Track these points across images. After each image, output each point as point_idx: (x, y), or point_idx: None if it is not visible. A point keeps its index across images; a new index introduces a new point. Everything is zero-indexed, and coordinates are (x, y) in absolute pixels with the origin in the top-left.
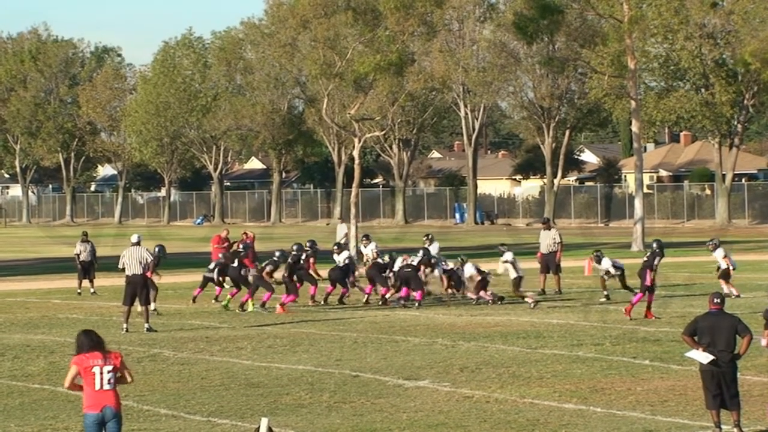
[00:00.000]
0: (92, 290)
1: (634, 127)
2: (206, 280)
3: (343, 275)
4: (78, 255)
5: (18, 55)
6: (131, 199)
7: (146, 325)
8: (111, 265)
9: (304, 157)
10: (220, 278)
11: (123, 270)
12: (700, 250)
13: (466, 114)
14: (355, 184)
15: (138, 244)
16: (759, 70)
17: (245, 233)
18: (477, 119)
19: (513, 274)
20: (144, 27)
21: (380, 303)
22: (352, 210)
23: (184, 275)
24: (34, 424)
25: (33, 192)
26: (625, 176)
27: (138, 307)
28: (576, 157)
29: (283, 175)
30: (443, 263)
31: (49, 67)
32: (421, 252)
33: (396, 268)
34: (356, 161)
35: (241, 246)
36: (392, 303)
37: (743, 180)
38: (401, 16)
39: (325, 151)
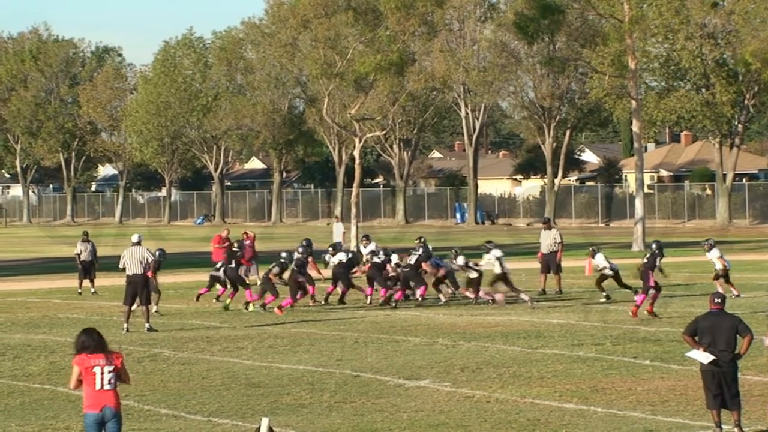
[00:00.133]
0: (93, 290)
1: (635, 127)
2: (213, 280)
3: (345, 271)
4: (78, 255)
5: (19, 54)
6: (132, 199)
7: (147, 325)
8: (111, 264)
9: (305, 156)
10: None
11: (123, 270)
12: (700, 250)
13: (467, 114)
14: (355, 184)
15: (139, 243)
16: (759, 70)
17: (245, 233)
18: (478, 119)
19: (498, 270)
20: (144, 27)
21: (380, 303)
22: (353, 210)
23: (185, 275)
24: (34, 423)
25: (34, 192)
26: (625, 176)
27: (135, 306)
28: (576, 157)
29: (284, 174)
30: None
31: (50, 66)
32: (420, 249)
33: (392, 263)
34: (357, 161)
35: (236, 245)
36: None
37: (744, 180)
38: (402, 16)
39: (325, 150)
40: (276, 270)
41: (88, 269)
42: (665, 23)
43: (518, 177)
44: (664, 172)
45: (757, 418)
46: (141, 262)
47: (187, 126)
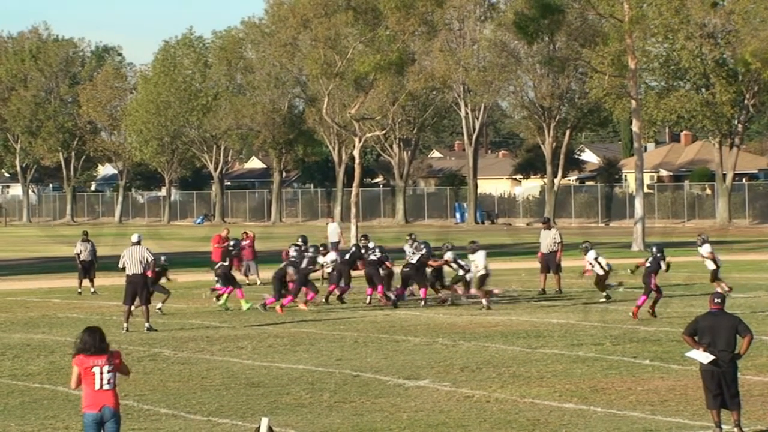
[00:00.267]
0: (92, 290)
1: (635, 127)
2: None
3: (347, 269)
4: (78, 255)
5: (18, 54)
6: (131, 199)
7: (146, 325)
8: (111, 264)
9: (305, 156)
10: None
11: (123, 269)
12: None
13: (467, 113)
14: (355, 184)
15: (138, 243)
16: (759, 69)
17: (245, 233)
18: (477, 119)
19: (482, 271)
20: (144, 26)
21: (381, 302)
22: (353, 209)
23: (185, 275)
24: (34, 423)
25: (33, 191)
26: (625, 176)
27: (134, 306)
28: (576, 156)
29: (284, 174)
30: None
31: (50, 66)
32: (423, 248)
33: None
34: (357, 161)
35: (231, 244)
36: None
37: (744, 180)
38: (402, 16)
39: (325, 150)
40: (291, 270)
41: (88, 269)
42: (665, 23)
43: (518, 177)
44: (663, 172)
45: (757, 418)
46: (141, 262)
47: (187, 125)
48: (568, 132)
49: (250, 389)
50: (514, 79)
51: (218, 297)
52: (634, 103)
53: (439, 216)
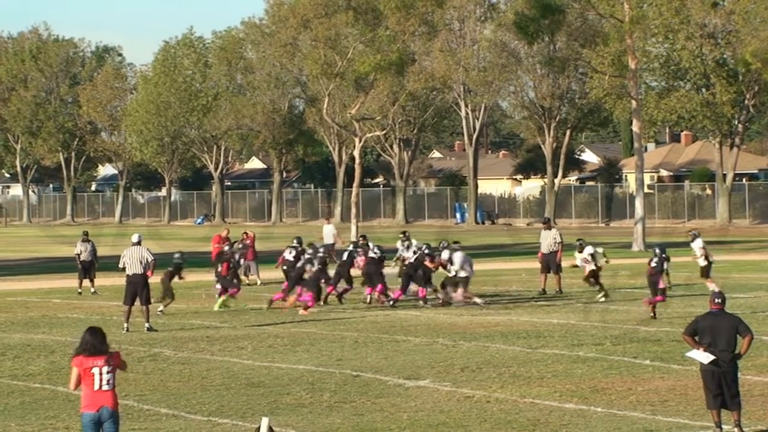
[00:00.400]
0: (93, 290)
1: (635, 127)
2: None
3: (347, 269)
4: (78, 255)
5: (19, 54)
6: (132, 199)
7: (147, 325)
8: (111, 264)
9: (305, 156)
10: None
11: (123, 270)
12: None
13: (467, 114)
14: (355, 184)
15: (139, 243)
16: (760, 70)
17: (245, 233)
18: (478, 119)
19: (461, 273)
20: (145, 26)
21: (378, 301)
22: (353, 210)
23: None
24: (34, 423)
25: (33, 191)
26: (625, 176)
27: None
28: (577, 156)
29: (284, 174)
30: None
31: (50, 66)
32: (425, 247)
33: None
34: (357, 161)
35: (225, 247)
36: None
37: (744, 180)
38: (402, 16)
39: (325, 150)
40: (308, 267)
41: (88, 269)
42: (665, 23)
43: (518, 177)
44: (664, 172)
45: (757, 418)
46: (141, 262)
47: (187, 126)
48: (568, 132)
49: (251, 389)
50: (515, 79)
51: (232, 296)
52: (634, 103)
53: (440, 216)
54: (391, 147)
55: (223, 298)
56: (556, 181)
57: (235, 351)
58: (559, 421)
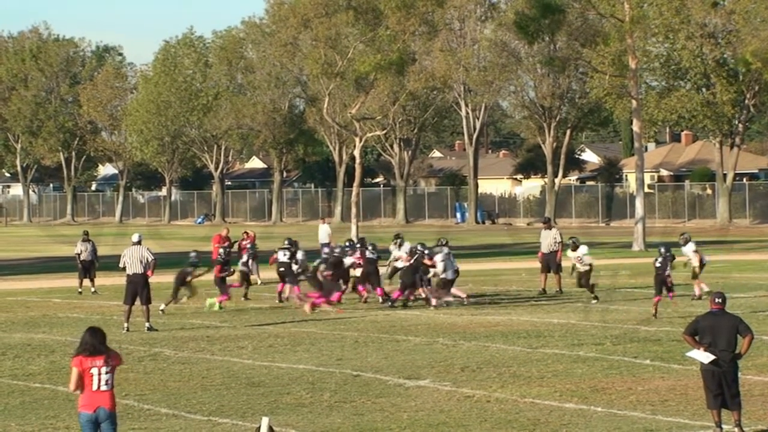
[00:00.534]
0: (93, 289)
1: (635, 127)
2: (244, 276)
3: (346, 270)
4: (79, 255)
5: (19, 54)
6: (132, 199)
7: (147, 325)
8: (112, 264)
9: (305, 156)
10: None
11: (124, 269)
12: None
13: (467, 113)
14: (356, 184)
15: (139, 243)
16: (760, 69)
17: (246, 233)
18: (478, 119)
19: (442, 275)
20: (145, 26)
21: (381, 302)
22: (353, 209)
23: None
24: (34, 423)
25: (34, 191)
26: (626, 176)
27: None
28: (577, 156)
29: (284, 174)
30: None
31: (50, 66)
32: (419, 246)
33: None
34: (357, 160)
35: (220, 251)
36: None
37: (744, 180)
38: (402, 16)
39: (326, 150)
40: (323, 267)
41: (88, 269)
42: (666, 23)
43: (518, 176)
44: (664, 172)
45: (757, 418)
46: (141, 262)
47: (188, 125)
48: (568, 132)
49: (251, 389)
50: (515, 78)
51: (245, 296)
52: (634, 102)
53: (440, 216)
54: (392, 147)
55: (218, 302)
56: (557, 180)
57: (235, 351)
58: (560, 420)
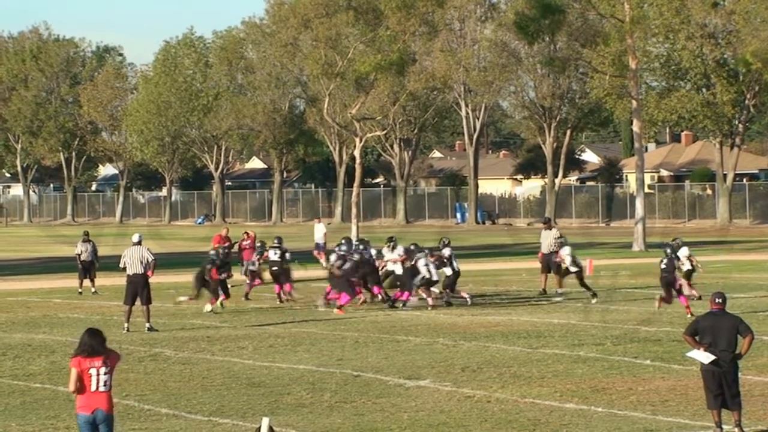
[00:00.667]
0: (93, 290)
1: (636, 127)
2: (253, 275)
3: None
4: (79, 255)
5: (19, 54)
6: (132, 199)
7: (147, 325)
8: (112, 264)
9: (305, 156)
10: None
11: (124, 269)
12: (700, 250)
13: (467, 114)
14: (356, 184)
15: (139, 243)
16: (760, 70)
17: (246, 233)
18: (478, 119)
19: (426, 276)
20: (145, 26)
21: (382, 302)
22: (353, 210)
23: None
24: (35, 423)
25: (34, 191)
26: (626, 176)
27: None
28: (577, 156)
29: (284, 174)
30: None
31: (51, 66)
32: (412, 247)
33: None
34: (357, 161)
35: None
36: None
37: (744, 180)
38: (402, 16)
39: (326, 150)
40: (339, 263)
41: (88, 269)
42: (666, 23)
43: (519, 177)
44: (664, 172)
45: (757, 418)
46: (141, 262)
47: (188, 126)
48: (568, 132)
49: (251, 389)
50: (515, 79)
51: (246, 295)
52: (634, 103)
53: (440, 216)
54: (392, 147)
55: (213, 305)
56: (557, 181)
57: (235, 351)
58: (560, 421)
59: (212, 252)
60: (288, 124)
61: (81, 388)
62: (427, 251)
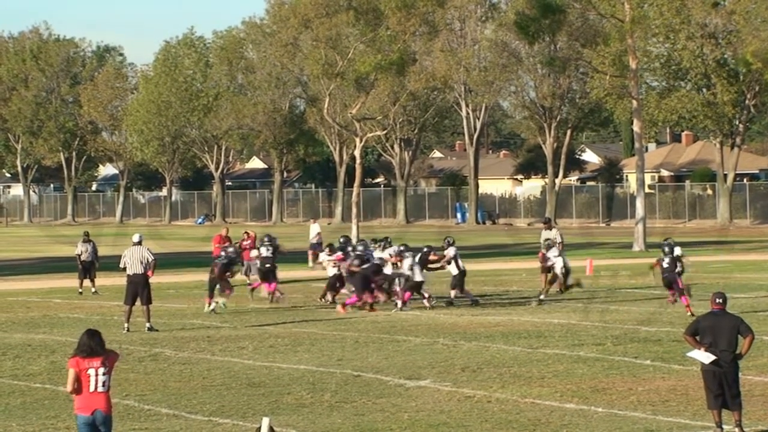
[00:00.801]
0: (93, 290)
1: (636, 127)
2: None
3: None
4: (79, 255)
5: (19, 54)
6: (132, 199)
7: (147, 325)
8: (112, 264)
9: (306, 156)
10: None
11: (124, 270)
12: (701, 250)
13: (468, 113)
14: (356, 184)
15: (139, 243)
16: (760, 70)
17: (246, 233)
18: (478, 119)
19: (417, 277)
20: (145, 26)
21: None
22: (354, 209)
23: (185, 275)
24: (35, 423)
25: (34, 191)
26: (626, 176)
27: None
28: (577, 156)
29: (285, 174)
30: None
31: (51, 66)
32: (402, 248)
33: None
34: (357, 161)
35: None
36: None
37: (745, 180)
38: (403, 16)
39: (326, 150)
40: (357, 262)
41: (89, 269)
42: (666, 23)
43: (519, 177)
44: (665, 172)
45: (758, 419)
46: (141, 262)
47: (188, 125)
48: (569, 132)
49: (251, 389)
50: (515, 79)
51: (252, 290)
52: (635, 103)
53: (440, 216)
54: (392, 147)
55: (210, 304)
56: (557, 181)
57: (235, 351)
58: (560, 421)
59: (230, 249)
60: (288, 124)
61: (79, 388)
62: (415, 251)
